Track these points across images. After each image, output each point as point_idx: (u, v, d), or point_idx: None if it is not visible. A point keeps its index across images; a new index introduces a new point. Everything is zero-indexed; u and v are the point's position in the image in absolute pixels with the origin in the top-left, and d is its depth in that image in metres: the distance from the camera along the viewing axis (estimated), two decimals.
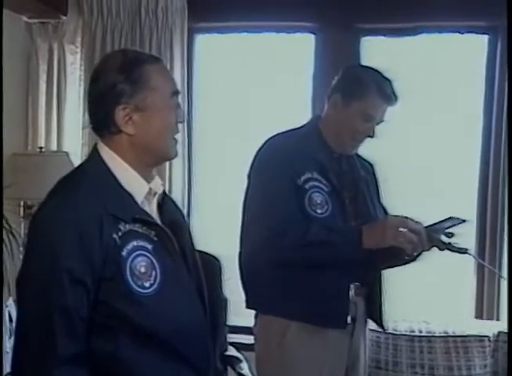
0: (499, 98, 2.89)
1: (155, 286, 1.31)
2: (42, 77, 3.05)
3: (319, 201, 1.88)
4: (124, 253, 1.28)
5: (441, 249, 1.83)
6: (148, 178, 1.39)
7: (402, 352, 2.69)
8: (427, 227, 1.81)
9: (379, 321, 2.04)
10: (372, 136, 1.96)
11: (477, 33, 2.98)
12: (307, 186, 1.88)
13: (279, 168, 1.88)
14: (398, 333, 2.69)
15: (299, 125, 2.08)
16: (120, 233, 1.28)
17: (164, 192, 1.46)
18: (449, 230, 1.82)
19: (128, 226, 1.30)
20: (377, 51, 3.01)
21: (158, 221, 1.40)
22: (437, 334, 2.70)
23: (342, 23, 2.96)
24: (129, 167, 1.36)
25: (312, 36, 3.03)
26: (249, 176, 1.99)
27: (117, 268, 1.27)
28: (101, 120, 1.36)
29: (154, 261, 1.32)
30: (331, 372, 1.93)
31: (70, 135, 3.04)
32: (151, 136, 1.35)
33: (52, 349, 1.24)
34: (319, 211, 1.87)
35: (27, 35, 3.05)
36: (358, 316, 1.96)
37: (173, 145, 1.40)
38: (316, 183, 1.90)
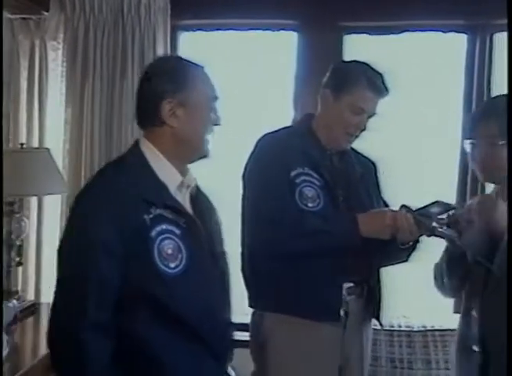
0: (478, 92, 2.95)
1: (180, 267, 1.42)
2: (23, 74, 3.03)
3: (310, 195, 1.90)
4: (152, 234, 1.40)
5: (428, 235, 1.84)
6: (183, 172, 1.54)
7: (382, 346, 2.74)
8: (414, 211, 1.83)
9: (376, 318, 2.06)
10: (363, 129, 1.97)
11: (457, 31, 3.02)
12: (298, 181, 1.90)
13: (272, 164, 1.90)
14: (378, 328, 2.73)
15: (288, 124, 2.11)
16: (151, 216, 1.41)
17: (198, 188, 1.59)
18: (441, 217, 1.82)
19: (158, 211, 1.42)
20: (360, 49, 3.03)
21: (189, 210, 1.52)
22: (416, 329, 2.75)
23: (325, 21, 2.97)
24: (166, 160, 1.50)
25: (295, 34, 3.05)
26: (243, 177, 2.00)
27: (146, 246, 1.39)
28: (148, 113, 1.50)
29: (181, 245, 1.44)
30: (322, 368, 1.93)
31: (51, 132, 3.03)
32: (190, 130, 1.50)
33: (82, 313, 1.36)
34: (310, 204, 1.89)
35: (8, 31, 3.03)
36: (351, 314, 1.96)
37: (207, 143, 1.54)
38: (307, 178, 1.91)
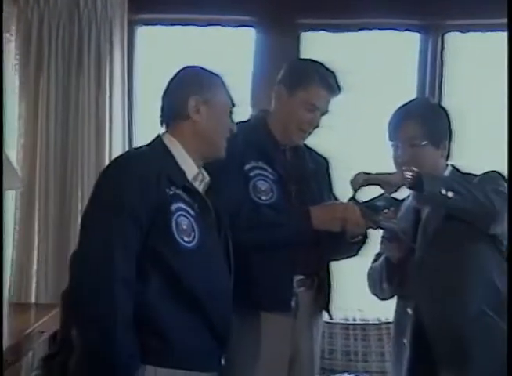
0: (431, 90, 3.04)
1: (193, 243, 1.56)
2: None
3: (263, 188, 1.93)
4: (172, 207, 1.54)
5: (374, 228, 1.91)
6: (199, 167, 1.69)
7: (337, 340, 2.78)
8: (361, 204, 1.89)
9: (326, 310, 2.09)
10: (317, 126, 2.01)
11: (412, 31, 3.10)
12: (251, 174, 1.93)
13: (226, 158, 1.88)
14: (333, 322, 2.78)
15: (245, 119, 2.10)
16: (171, 192, 1.55)
17: (209, 186, 1.72)
18: (386, 211, 1.89)
19: (177, 190, 1.57)
20: (319, 46, 3.06)
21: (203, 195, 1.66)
22: (370, 322, 2.81)
23: (283, 18, 3.00)
24: (185, 152, 1.66)
25: (253, 30, 3.07)
26: None
27: (166, 217, 1.53)
28: (174, 108, 1.68)
29: (194, 225, 1.58)
30: (273, 359, 1.94)
31: (5, 126, 2.96)
32: (210, 127, 1.67)
33: (112, 269, 1.46)
34: (263, 197, 1.93)
35: None
36: (301, 306, 1.98)
37: (224, 145, 1.71)
38: (261, 171, 1.95)
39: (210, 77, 1.72)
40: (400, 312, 1.98)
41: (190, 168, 1.66)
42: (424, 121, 1.91)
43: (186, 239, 1.55)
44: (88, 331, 1.49)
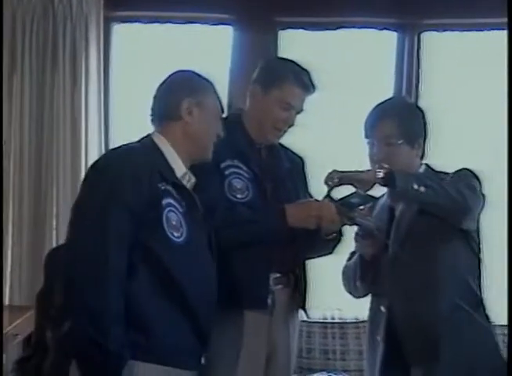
0: (408, 88, 3.06)
1: (182, 238, 1.59)
2: None
3: (239, 187, 1.94)
4: (163, 202, 1.57)
5: (349, 224, 1.92)
6: (186, 167, 1.72)
7: (316, 338, 2.79)
8: (336, 201, 1.90)
9: (303, 308, 2.09)
10: (292, 125, 2.01)
11: (390, 30, 3.12)
12: (227, 172, 1.94)
13: None
14: (311, 320, 2.79)
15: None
16: (162, 188, 1.58)
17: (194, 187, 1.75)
18: (361, 207, 1.90)
19: (168, 186, 1.60)
20: (296, 44, 3.07)
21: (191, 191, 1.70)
22: (348, 321, 2.82)
23: (261, 16, 3.00)
24: (174, 152, 1.68)
25: (231, 28, 3.06)
26: None
27: (157, 211, 1.55)
28: (166, 109, 1.71)
29: (182, 221, 1.61)
30: (250, 356, 1.94)
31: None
32: (201, 129, 1.71)
33: (107, 265, 1.48)
34: (239, 195, 1.93)
35: None
36: (277, 303, 1.98)
37: (211, 148, 1.74)
38: (237, 170, 1.95)
39: (203, 82, 1.76)
40: (374, 309, 2.00)
41: (179, 167, 1.69)
42: (401, 120, 1.93)
43: (176, 234, 1.57)
44: (83, 325, 1.48)
